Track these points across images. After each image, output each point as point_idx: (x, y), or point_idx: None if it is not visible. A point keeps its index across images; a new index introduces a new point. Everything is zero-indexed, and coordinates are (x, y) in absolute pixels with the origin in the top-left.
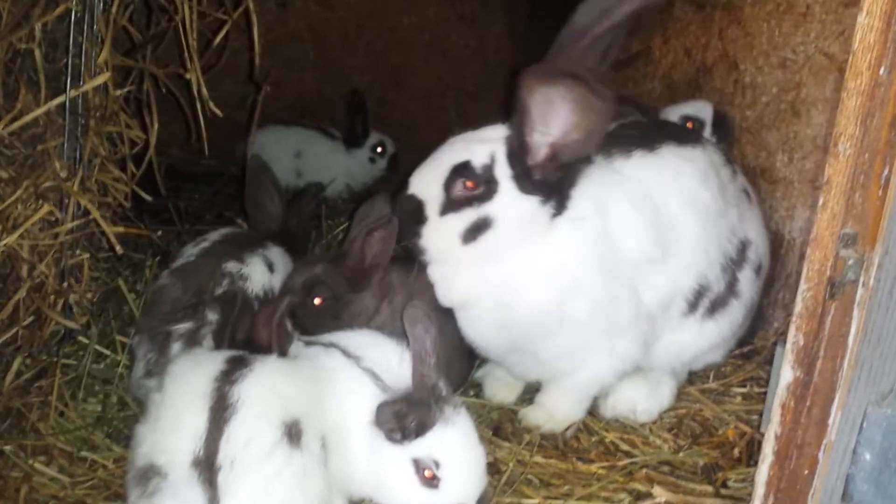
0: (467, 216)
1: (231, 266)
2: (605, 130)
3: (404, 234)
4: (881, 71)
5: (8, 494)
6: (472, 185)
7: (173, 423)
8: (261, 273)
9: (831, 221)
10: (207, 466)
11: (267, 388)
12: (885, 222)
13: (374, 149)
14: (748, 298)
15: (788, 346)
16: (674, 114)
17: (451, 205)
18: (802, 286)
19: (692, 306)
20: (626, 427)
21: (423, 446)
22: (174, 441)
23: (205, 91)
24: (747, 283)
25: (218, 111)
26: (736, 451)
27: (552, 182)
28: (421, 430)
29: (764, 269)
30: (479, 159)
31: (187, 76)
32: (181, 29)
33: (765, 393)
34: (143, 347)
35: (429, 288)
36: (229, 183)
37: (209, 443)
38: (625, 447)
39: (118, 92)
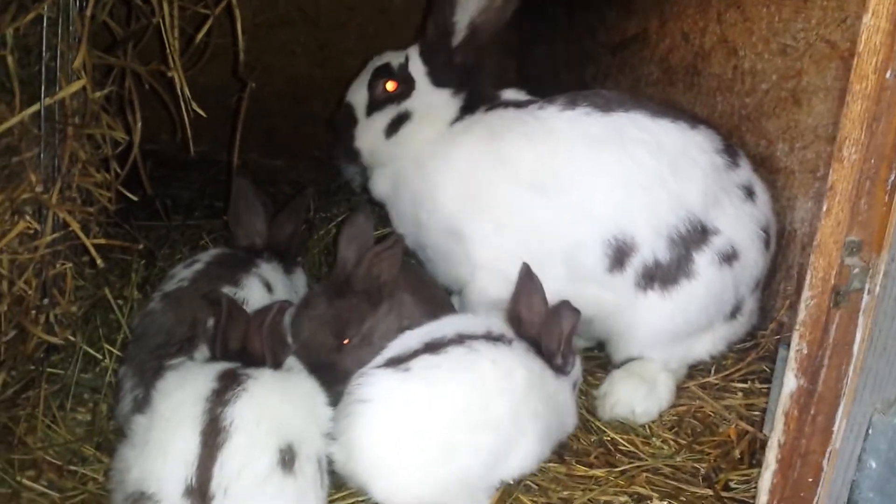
0: (389, 113)
1: (226, 291)
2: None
3: (341, 139)
4: (888, 74)
5: None
6: (394, 85)
7: (163, 449)
8: (259, 295)
9: (835, 229)
10: (200, 496)
11: (261, 411)
12: (892, 229)
13: None
14: (708, 286)
15: (792, 353)
16: None
17: (374, 105)
18: (806, 294)
19: (616, 262)
20: (626, 426)
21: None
22: (164, 468)
23: (187, 91)
24: (706, 268)
25: (201, 112)
26: (737, 452)
27: (467, 70)
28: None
29: (747, 267)
30: (396, 61)
31: (170, 74)
32: (162, 28)
33: (767, 388)
34: (131, 381)
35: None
36: (220, 171)
37: (201, 471)
38: (625, 448)
39: (98, 94)
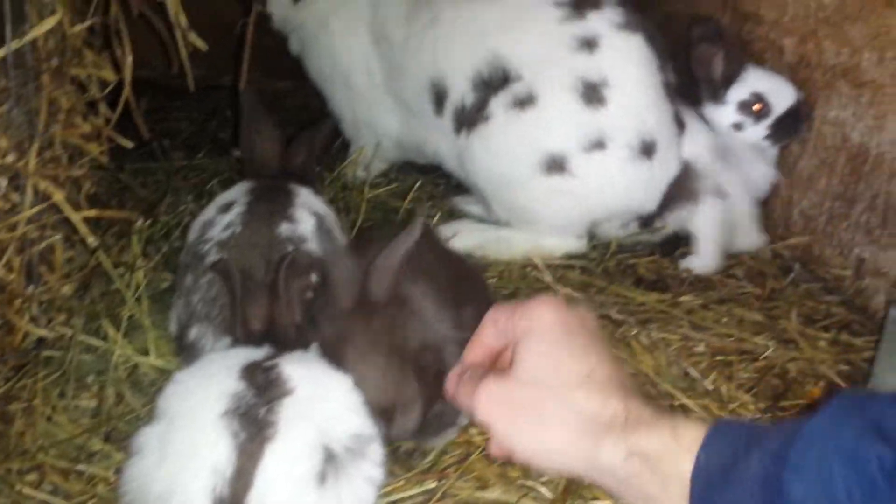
0: None
1: (285, 229)
2: None
3: None
4: None
5: None
6: None
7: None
8: (312, 228)
9: None
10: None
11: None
12: None
13: None
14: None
15: None
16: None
17: None
18: None
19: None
20: (697, 388)
21: None
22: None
23: (183, 19)
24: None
25: (201, 44)
26: None
27: None
28: None
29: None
30: None
31: None
32: None
33: (856, 340)
34: (207, 341)
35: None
36: (222, 99)
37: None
38: (699, 414)
39: (78, 27)
